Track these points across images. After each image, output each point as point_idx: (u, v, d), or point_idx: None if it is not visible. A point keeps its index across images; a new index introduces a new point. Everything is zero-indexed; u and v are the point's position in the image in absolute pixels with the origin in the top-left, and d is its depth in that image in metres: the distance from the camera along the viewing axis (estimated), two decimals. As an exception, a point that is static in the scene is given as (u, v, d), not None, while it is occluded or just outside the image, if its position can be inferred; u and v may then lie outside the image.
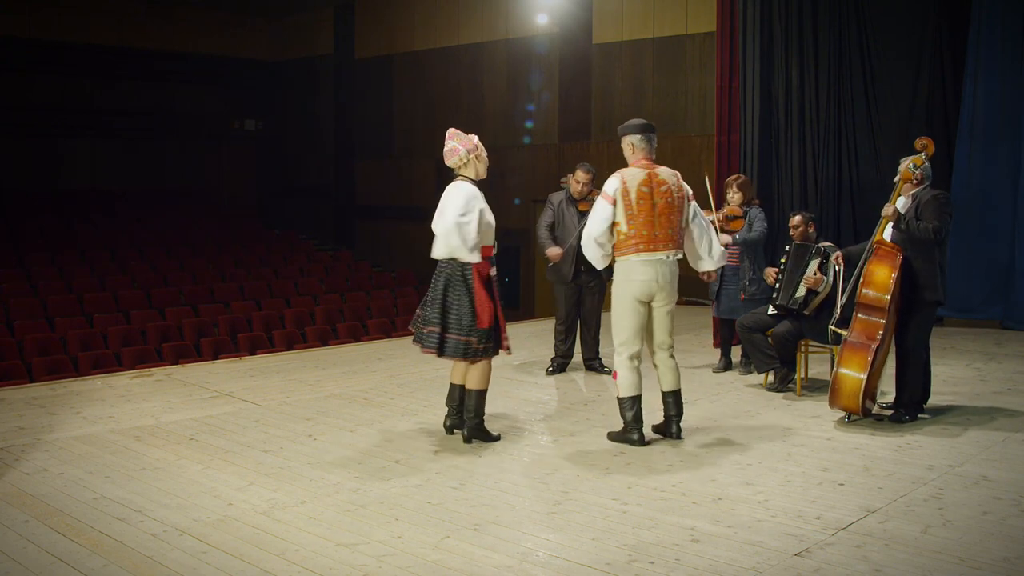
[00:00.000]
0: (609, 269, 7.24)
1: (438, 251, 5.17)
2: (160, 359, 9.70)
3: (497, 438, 5.33)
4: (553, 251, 7.04)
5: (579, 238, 7.02)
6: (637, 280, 5.08)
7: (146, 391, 6.86)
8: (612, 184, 5.11)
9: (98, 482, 4.63)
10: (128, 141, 17.23)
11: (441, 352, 5.16)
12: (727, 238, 7.00)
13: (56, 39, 15.86)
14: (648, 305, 5.15)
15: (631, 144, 5.21)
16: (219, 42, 18.06)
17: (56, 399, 6.57)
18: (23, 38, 15.46)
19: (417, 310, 5.39)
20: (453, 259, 5.13)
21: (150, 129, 17.35)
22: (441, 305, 5.14)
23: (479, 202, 5.14)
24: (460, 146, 5.19)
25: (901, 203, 5.61)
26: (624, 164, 5.27)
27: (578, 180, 7.12)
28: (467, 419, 5.30)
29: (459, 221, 5.05)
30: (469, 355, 5.15)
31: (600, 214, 5.12)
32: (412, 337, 5.43)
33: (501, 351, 5.28)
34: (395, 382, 7.16)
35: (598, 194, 7.13)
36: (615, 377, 5.19)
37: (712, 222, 7.02)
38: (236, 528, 3.98)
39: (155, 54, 17.05)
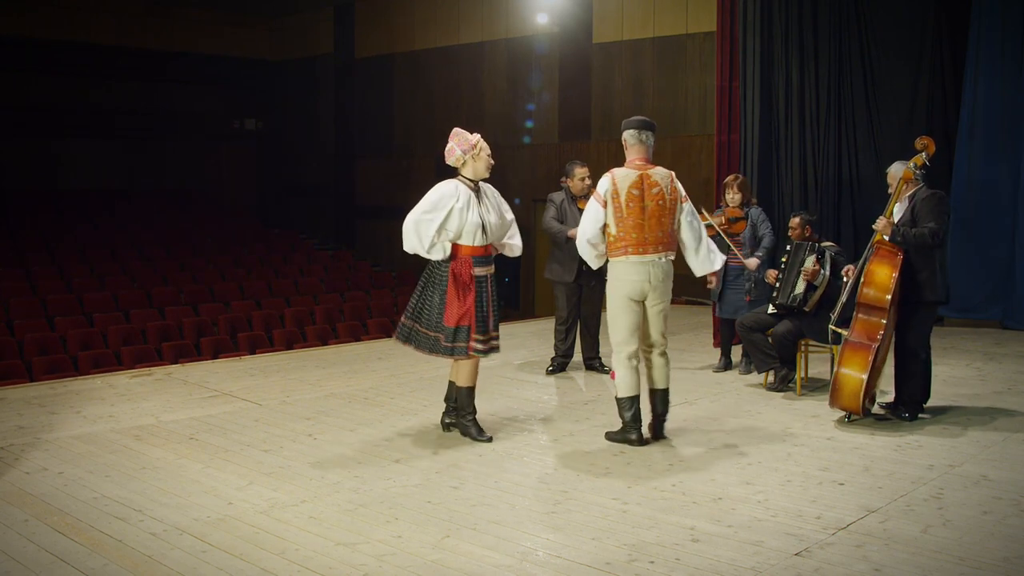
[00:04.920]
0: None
1: (404, 245, 5.25)
2: (160, 358, 9.70)
3: (489, 439, 5.32)
4: (575, 232, 7.00)
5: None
6: (628, 280, 5.06)
7: (146, 390, 6.86)
8: (603, 185, 5.06)
9: (98, 481, 4.63)
10: (128, 141, 17.23)
11: (406, 342, 5.30)
12: (755, 261, 6.94)
13: (56, 39, 15.85)
14: (642, 304, 5.14)
15: (625, 141, 5.18)
16: (219, 42, 18.06)
17: (56, 398, 6.57)
18: (23, 38, 15.45)
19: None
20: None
21: (150, 129, 17.35)
22: (418, 299, 5.28)
23: (452, 201, 5.12)
24: (457, 147, 5.22)
25: (897, 208, 5.60)
26: (623, 161, 5.23)
27: (581, 177, 7.13)
28: (459, 416, 5.38)
29: (419, 218, 5.11)
30: (437, 351, 5.22)
31: (591, 215, 5.09)
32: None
33: (470, 352, 5.20)
34: (395, 382, 7.16)
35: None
36: (613, 377, 5.19)
37: (713, 227, 7.03)
38: (236, 527, 3.98)
39: (155, 54, 17.04)
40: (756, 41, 8.85)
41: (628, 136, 5.16)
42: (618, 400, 5.18)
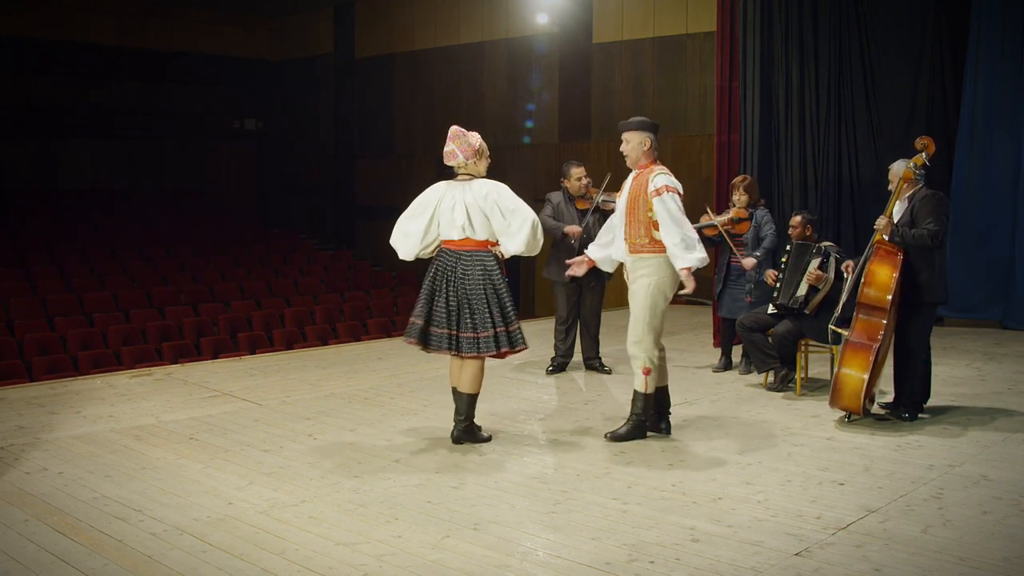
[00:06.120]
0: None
1: (521, 245, 5.11)
2: (160, 358, 9.70)
3: (488, 439, 5.32)
4: (572, 228, 7.01)
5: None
6: (675, 275, 5.14)
7: (146, 390, 6.86)
8: (674, 181, 5.12)
9: (98, 481, 4.63)
10: (128, 141, 17.23)
11: (512, 349, 5.12)
12: (751, 261, 6.91)
13: (56, 39, 15.85)
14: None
15: (648, 141, 5.20)
16: (219, 42, 18.05)
17: (56, 398, 6.57)
18: (23, 38, 15.45)
19: (417, 320, 5.18)
20: (492, 255, 5.14)
21: (150, 129, 17.34)
22: (499, 303, 5.09)
23: None
24: (459, 151, 5.20)
25: (898, 207, 5.60)
26: (622, 160, 5.28)
27: (577, 177, 7.12)
28: (456, 420, 5.28)
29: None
30: (514, 345, 5.14)
31: (681, 209, 5.07)
32: (437, 347, 5.14)
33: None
34: (395, 382, 7.16)
35: (596, 192, 7.18)
36: (647, 374, 5.13)
37: (715, 227, 7.04)
38: (236, 527, 3.98)
39: (155, 54, 17.04)
40: (756, 41, 8.85)
41: (652, 139, 5.22)
42: (647, 396, 5.19)
